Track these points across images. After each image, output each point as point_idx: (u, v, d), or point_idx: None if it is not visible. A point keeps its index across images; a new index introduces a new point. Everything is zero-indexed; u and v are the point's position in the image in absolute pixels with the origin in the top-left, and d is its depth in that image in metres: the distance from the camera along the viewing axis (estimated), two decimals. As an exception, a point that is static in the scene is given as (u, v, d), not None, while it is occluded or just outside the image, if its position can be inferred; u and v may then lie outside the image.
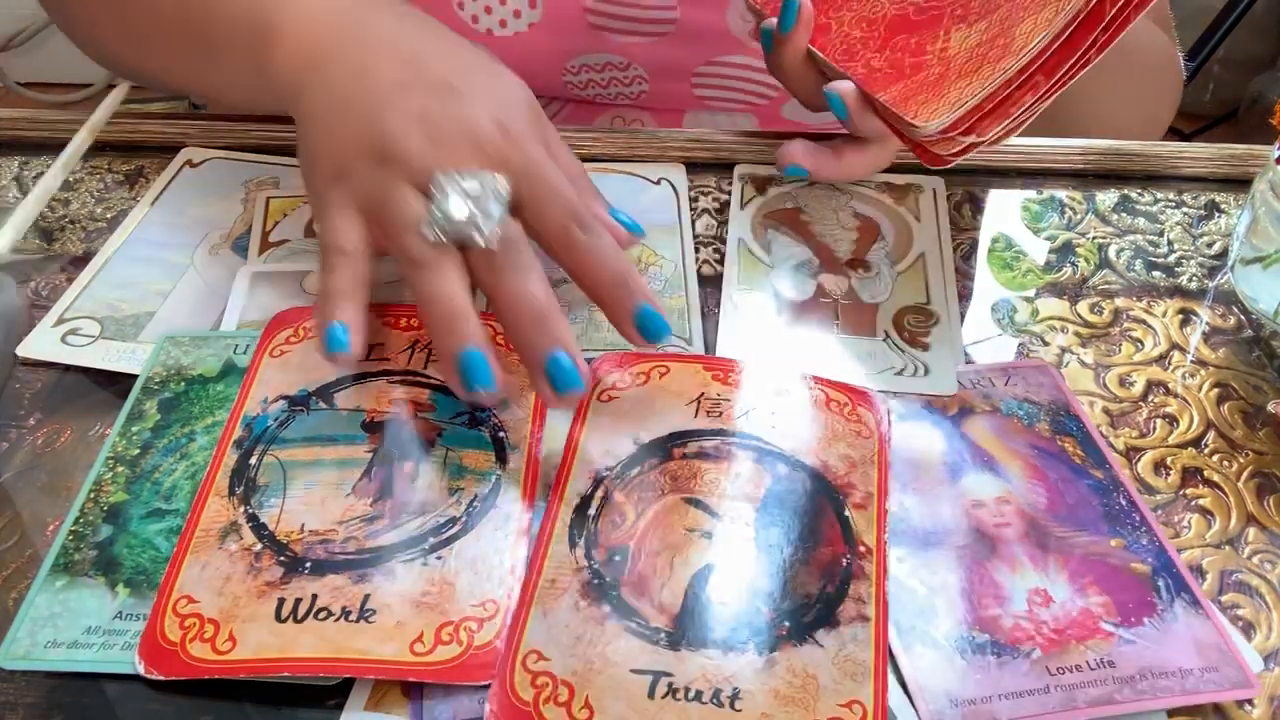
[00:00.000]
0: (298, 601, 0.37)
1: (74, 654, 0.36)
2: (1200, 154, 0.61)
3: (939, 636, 0.38)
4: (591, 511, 0.40)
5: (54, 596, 0.38)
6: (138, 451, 0.43)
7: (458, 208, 0.42)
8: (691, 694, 0.35)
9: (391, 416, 0.43)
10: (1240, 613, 0.40)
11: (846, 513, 0.41)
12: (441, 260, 0.42)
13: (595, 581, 0.38)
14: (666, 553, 0.39)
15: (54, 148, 0.60)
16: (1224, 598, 0.40)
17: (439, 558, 0.39)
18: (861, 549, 0.40)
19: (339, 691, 0.36)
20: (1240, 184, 0.60)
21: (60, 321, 0.49)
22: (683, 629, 0.37)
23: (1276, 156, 0.49)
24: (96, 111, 0.57)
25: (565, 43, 0.66)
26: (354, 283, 0.44)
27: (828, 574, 0.39)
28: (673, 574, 0.38)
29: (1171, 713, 0.36)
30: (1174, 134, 1.82)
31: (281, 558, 0.39)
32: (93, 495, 0.41)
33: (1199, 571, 0.41)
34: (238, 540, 0.39)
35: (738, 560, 0.39)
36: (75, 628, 0.37)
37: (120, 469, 0.42)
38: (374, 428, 0.43)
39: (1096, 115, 0.64)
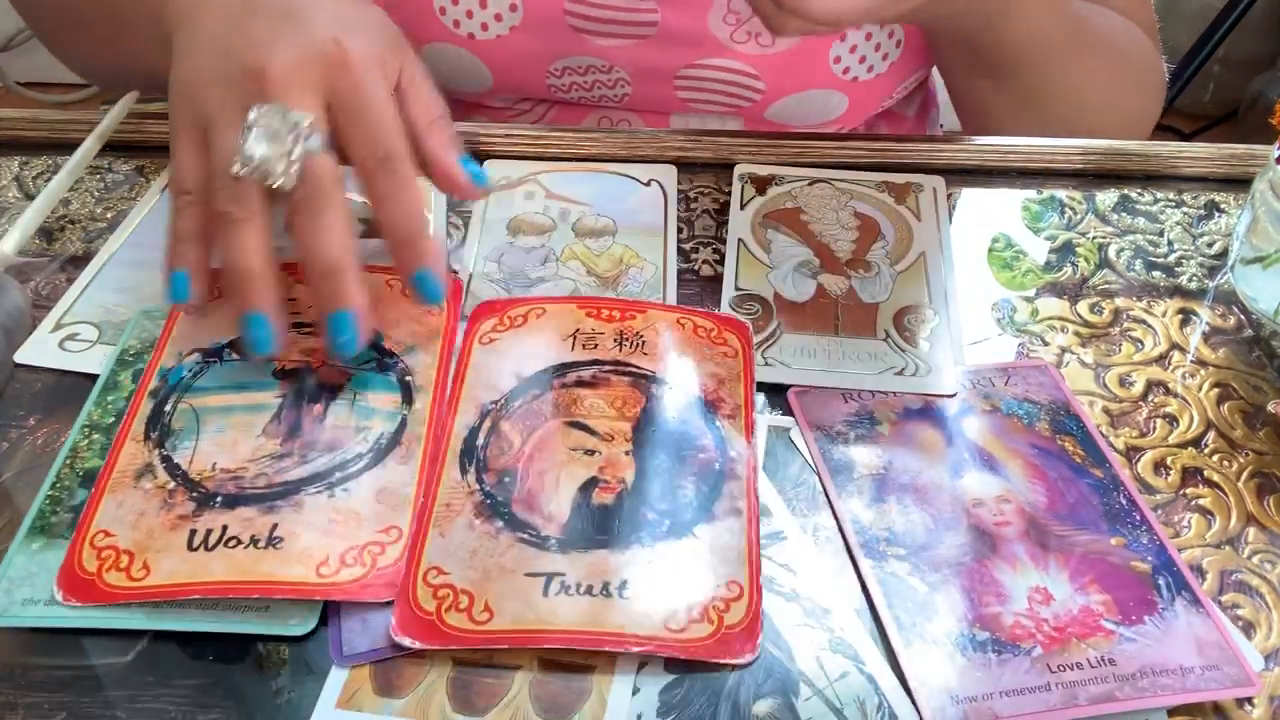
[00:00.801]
0: (209, 532, 0.39)
1: (49, 611, 0.38)
2: (1200, 154, 0.61)
3: (940, 634, 0.38)
4: (480, 441, 0.43)
5: (31, 557, 0.39)
6: (112, 420, 0.44)
7: (257, 146, 0.42)
8: (583, 589, 0.38)
9: (301, 364, 0.45)
10: (1240, 613, 0.40)
11: (717, 423, 0.44)
12: (242, 215, 0.43)
13: (487, 502, 0.41)
14: (553, 471, 0.42)
15: (54, 148, 0.60)
16: (1224, 597, 0.40)
17: (345, 490, 0.41)
18: (732, 454, 0.43)
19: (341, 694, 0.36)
20: (1240, 184, 0.60)
21: (58, 327, 0.49)
22: (571, 534, 0.40)
23: (1276, 156, 0.49)
24: (105, 118, 0.57)
25: (547, 45, 0.66)
26: (199, 224, 0.45)
27: (702, 477, 0.42)
28: (559, 489, 0.42)
29: (1172, 711, 0.36)
30: (1174, 134, 1.82)
31: (194, 494, 0.41)
32: (69, 461, 0.43)
33: (1199, 571, 0.41)
34: (152, 479, 0.41)
35: (619, 471, 0.42)
36: (51, 586, 0.38)
37: (95, 436, 0.44)
38: (285, 375, 0.45)
39: (1079, 116, 0.64)
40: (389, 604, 0.38)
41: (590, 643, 0.37)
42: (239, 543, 0.39)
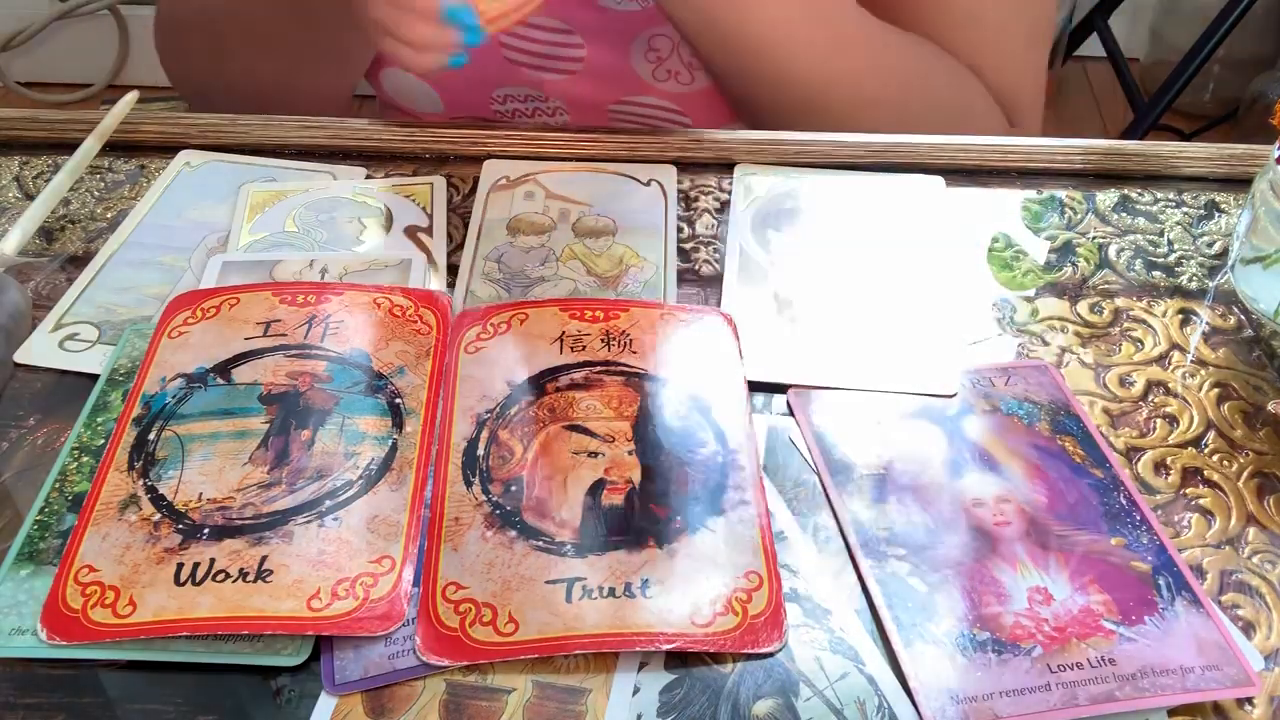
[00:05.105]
0: (196, 566, 0.38)
1: (39, 641, 0.37)
2: (1200, 154, 0.61)
3: (940, 634, 0.38)
4: (480, 451, 0.43)
5: (19, 585, 0.38)
6: (102, 442, 0.43)
7: None
8: (606, 591, 0.38)
9: (288, 388, 0.44)
10: (1240, 613, 0.40)
11: (714, 416, 0.44)
12: None
13: (497, 512, 0.41)
14: (559, 476, 0.42)
15: (54, 147, 0.60)
16: (1224, 598, 0.40)
17: (336, 519, 0.40)
18: (733, 445, 0.43)
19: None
20: (1240, 184, 0.60)
21: (58, 326, 0.49)
22: (586, 538, 0.40)
23: (1276, 156, 0.49)
24: (105, 118, 0.57)
25: (486, 75, 0.69)
26: None
27: (707, 470, 0.42)
28: (568, 493, 0.41)
29: (1172, 711, 0.36)
30: (1174, 134, 1.82)
31: (180, 526, 0.40)
32: (58, 485, 0.42)
33: (1199, 571, 0.41)
34: (137, 511, 0.40)
35: (625, 471, 0.42)
36: (39, 616, 0.37)
37: (85, 459, 0.43)
38: (271, 399, 0.44)
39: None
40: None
41: (620, 644, 0.37)
42: (228, 576, 0.38)
